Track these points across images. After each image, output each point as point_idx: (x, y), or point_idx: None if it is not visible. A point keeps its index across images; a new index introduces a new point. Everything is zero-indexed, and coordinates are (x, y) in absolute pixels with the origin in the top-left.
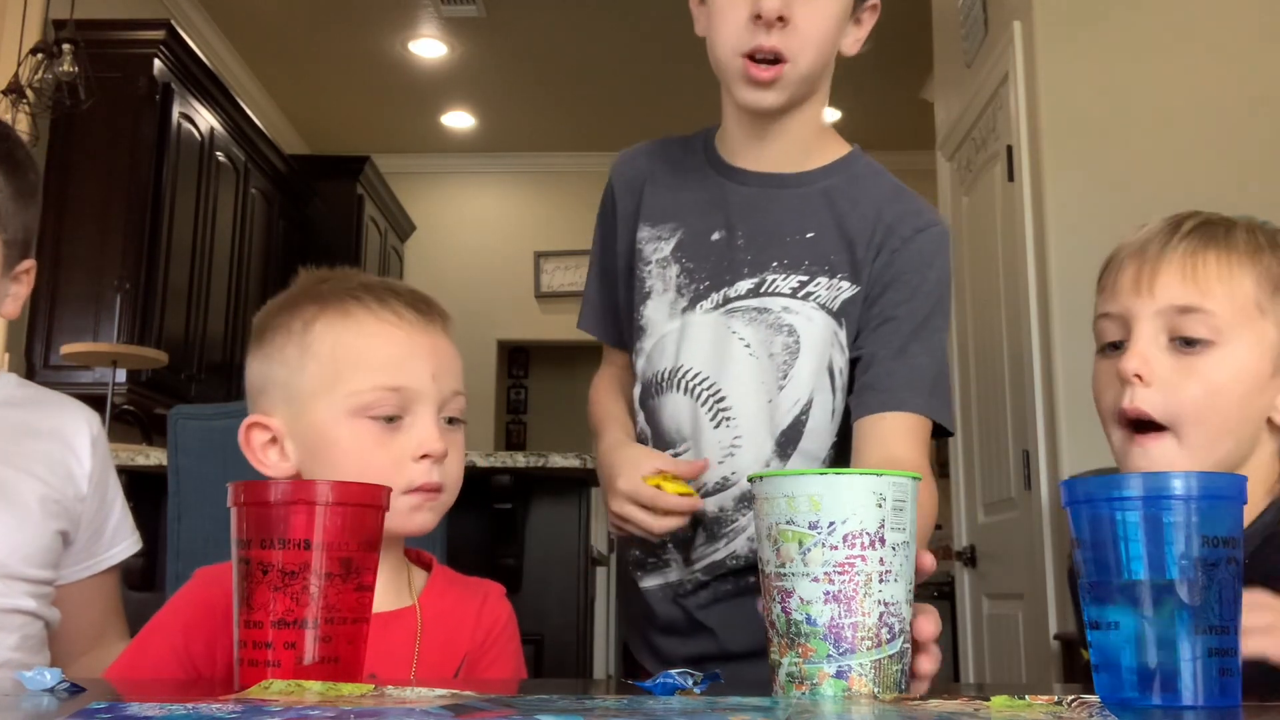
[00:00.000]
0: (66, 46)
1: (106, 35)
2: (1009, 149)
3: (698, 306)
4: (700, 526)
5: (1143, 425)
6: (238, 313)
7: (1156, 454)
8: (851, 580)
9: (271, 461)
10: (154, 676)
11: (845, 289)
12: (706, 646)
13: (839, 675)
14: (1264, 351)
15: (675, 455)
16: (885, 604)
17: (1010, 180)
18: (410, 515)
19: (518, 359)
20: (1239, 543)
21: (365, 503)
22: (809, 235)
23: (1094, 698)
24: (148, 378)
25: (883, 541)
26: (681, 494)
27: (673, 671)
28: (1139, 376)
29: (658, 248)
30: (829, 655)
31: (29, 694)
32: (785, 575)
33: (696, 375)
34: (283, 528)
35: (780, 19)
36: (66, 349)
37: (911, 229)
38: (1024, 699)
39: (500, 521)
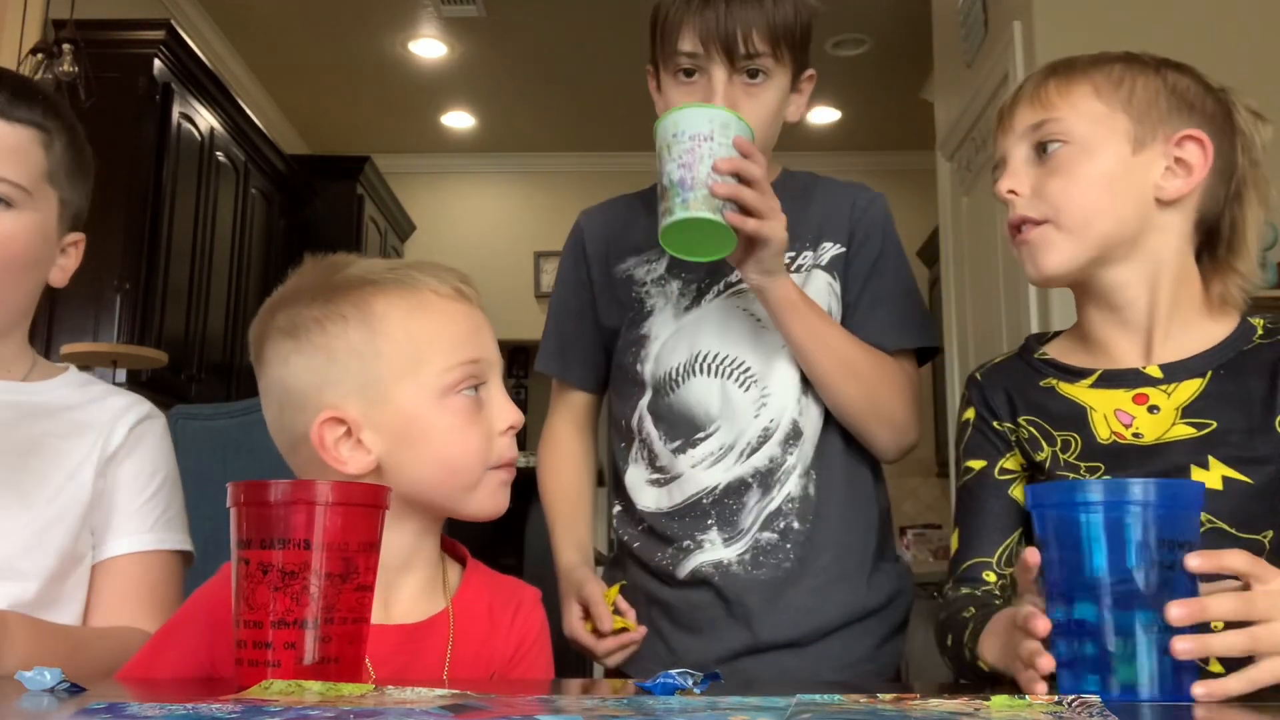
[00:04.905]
0: (66, 46)
1: (106, 35)
2: None
3: (703, 300)
4: (756, 483)
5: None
6: (238, 313)
7: (1035, 237)
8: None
9: (346, 456)
10: (167, 675)
11: (830, 248)
12: (742, 639)
13: (685, 203)
14: (1117, 135)
15: (705, 437)
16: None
17: None
18: (495, 494)
19: (518, 359)
20: (1195, 545)
21: (365, 502)
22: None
23: (1094, 697)
24: (148, 378)
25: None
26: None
27: (673, 671)
28: (1012, 192)
29: (650, 269)
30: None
31: (29, 694)
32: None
33: (716, 355)
34: (283, 528)
35: None
36: (66, 349)
37: (866, 200)
38: (1024, 699)
39: (500, 521)
